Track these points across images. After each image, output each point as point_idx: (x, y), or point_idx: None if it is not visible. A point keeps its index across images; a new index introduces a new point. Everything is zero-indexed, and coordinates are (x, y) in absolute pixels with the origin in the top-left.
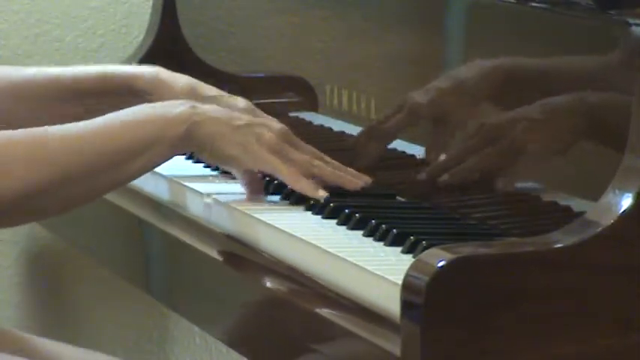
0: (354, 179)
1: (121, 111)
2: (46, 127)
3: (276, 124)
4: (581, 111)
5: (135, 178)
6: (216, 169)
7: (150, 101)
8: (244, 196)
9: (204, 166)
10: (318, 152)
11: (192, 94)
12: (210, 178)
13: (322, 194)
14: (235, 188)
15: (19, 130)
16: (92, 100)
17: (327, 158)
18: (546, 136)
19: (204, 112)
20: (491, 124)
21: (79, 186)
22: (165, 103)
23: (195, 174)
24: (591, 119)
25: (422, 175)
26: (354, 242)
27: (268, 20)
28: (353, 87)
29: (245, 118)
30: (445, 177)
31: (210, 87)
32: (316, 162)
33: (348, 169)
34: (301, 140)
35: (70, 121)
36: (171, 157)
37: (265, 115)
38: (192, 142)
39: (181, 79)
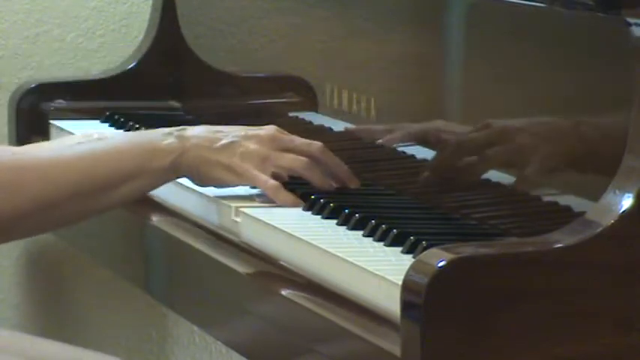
0: (342, 181)
1: (111, 138)
2: (32, 147)
3: (263, 133)
4: (581, 110)
5: (120, 205)
6: None
7: None
8: (239, 196)
9: None
10: (314, 148)
11: None
12: None
13: (298, 203)
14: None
15: (6, 149)
16: None
17: (321, 152)
18: (545, 135)
19: (189, 140)
20: (496, 125)
21: (65, 210)
22: (156, 131)
23: None
24: (591, 119)
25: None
26: (354, 242)
27: (268, 20)
28: (353, 87)
29: (229, 136)
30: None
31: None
32: (305, 164)
33: (343, 167)
34: (295, 137)
35: None
36: (158, 187)
37: (293, 137)
38: (179, 172)
39: None
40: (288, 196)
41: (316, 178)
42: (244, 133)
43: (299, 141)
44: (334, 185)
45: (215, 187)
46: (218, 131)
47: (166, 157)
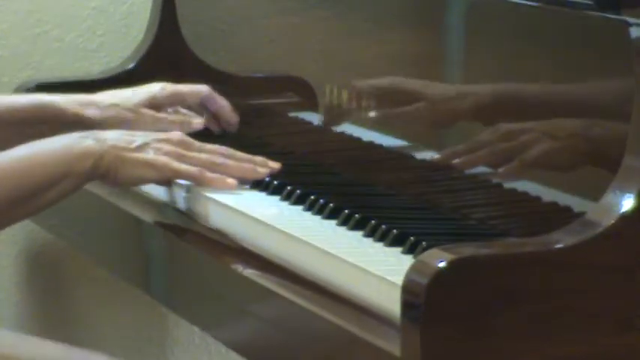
0: (260, 168)
1: (30, 145)
2: None
3: (174, 136)
4: (581, 110)
5: (45, 209)
6: None
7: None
8: (240, 196)
9: None
10: (222, 149)
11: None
12: None
13: (231, 182)
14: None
15: None
16: (24, 128)
17: (234, 152)
18: (545, 135)
19: (106, 142)
20: (496, 125)
21: (2, 216)
22: (72, 136)
23: None
24: (591, 119)
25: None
26: (354, 242)
27: (268, 20)
28: (353, 87)
29: (142, 137)
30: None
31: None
32: (219, 160)
33: (257, 158)
34: (206, 144)
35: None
36: (80, 188)
37: (199, 142)
38: (98, 174)
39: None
40: (214, 176)
41: (235, 171)
42: (156, 137)
43: (207, 146)
44: (257, 171)
45: (134, 185)
46: (131, 134)
47: (88, 159)
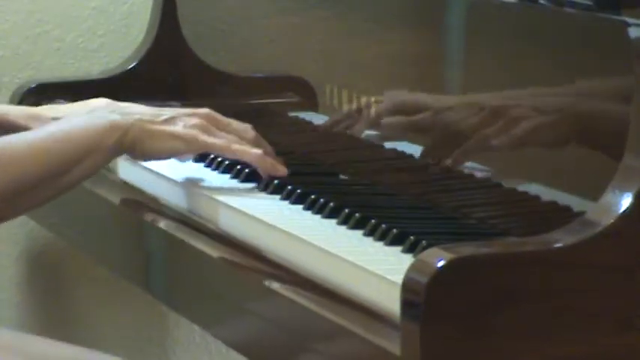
0: (279, 166)
1: (59, 122)
2: None
3: (201, 110)
4: (581, 110)
5: (75, 185)
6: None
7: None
8: (239, 195)
9: (205, 166)
10: (251, 133)
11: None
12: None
13: (256, 151)
14: (229, 183)
15: None
16: None
17: (260, 138)
18: (545, 135)
19: (132, 116)
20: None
21: (35, 192)
22: (101, 110)
23: (196, 174)
24: (590, 119)
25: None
26: (354, 242)
27: (268, 20)
28: (353, 87)
29: (170, 111)
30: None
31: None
32: (243, 142)
33: (273, 154)
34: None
35: None
36: (108, 163)
37: (227, 119)
38: (124, 147)
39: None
40: (241, 148)
41: (255, 159)
42: (184, 111)
43: (235, 124)
44: (275, 167)
45: (161, 159)
46: (158, 109)
47: (114, 133)
